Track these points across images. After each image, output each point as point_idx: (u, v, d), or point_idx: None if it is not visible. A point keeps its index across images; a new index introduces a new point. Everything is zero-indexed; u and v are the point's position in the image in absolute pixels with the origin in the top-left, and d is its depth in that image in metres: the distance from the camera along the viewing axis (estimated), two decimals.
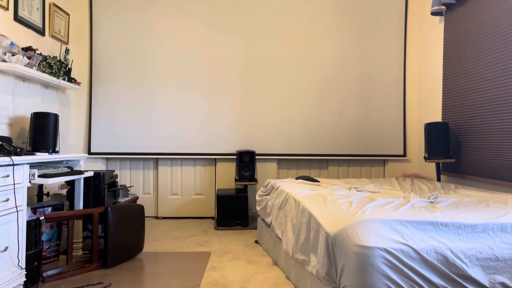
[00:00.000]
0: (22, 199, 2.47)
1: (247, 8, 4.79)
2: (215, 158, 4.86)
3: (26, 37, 3.67)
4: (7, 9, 3.35)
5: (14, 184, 2.39)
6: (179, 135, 4.75)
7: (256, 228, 4.13)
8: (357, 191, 3.07)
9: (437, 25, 4.46)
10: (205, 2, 4.77)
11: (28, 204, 3.05)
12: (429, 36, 4.66)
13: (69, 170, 3.08)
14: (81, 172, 3.11)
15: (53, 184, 3.88)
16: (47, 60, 3.66)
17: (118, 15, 4.70)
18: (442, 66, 4.33)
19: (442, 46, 4.33)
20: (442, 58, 4.32)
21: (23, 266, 2.47)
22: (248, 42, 4.80)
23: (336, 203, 2.39)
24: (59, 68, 3.78)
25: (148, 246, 3.60)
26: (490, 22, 3.51)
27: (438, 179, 4.10)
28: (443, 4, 4.12)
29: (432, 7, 4.28)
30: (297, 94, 4.83)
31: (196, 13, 4.76)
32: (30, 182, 2.57)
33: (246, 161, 4.50)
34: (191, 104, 4.76)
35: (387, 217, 1.96)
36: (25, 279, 2.51)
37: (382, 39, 4.89)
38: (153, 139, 4.73)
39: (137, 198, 4.16)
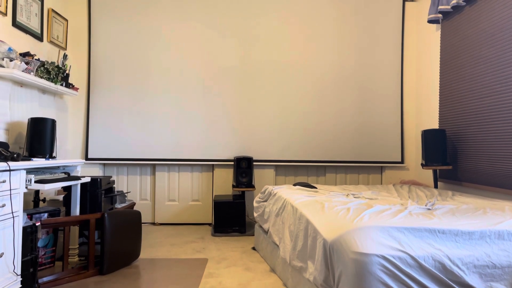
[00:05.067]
0: (18, 205, 2.46)
1: (245, 15, 4.82)
2: (213, 164, 4.85)
3: (24, 43, 3.67)
4: (5, 14, 3.36)
5: (10, 189, 2.37)
6: (176, 141, 4.74)
7: (254, 235, 4.12)
8: (355, 197, 3.07)
9: (434, 32, 4.50)
10: (204, 8, 4.79)
11: (24, 210, 3.04)
12: (426, 44, 4.70)
13: (66, 175, 3.07)
14: (78, 178, 3.10)
15: (50, 189, 3.86)
16: (45, 66, 3.67)
17: (116, 21, 4.71)
18: (439, 74, 4.36)
19: (439, 53, 4.36)
20: (439, 65, 4.35)
21: (19, 272, 2.45)
22: (247, 48, 4.81)
23: (334, 210, 2.39)
24: (56, 73, 3.79)
25: (145, 253, 3.58)
26: (486, 29, 3.54)
27: (435, 186, 4.11)
28: (440, 12, 4.15)
29: (428, 15, 4.32)
30: (295, 100, 4.84)
31: (195, 19, 4.78)
32: (26, 187, 2.56)
33: (243, 167, 4.50)
34: (189, 109, 4.76)
35: (384, 224, 1.96)
36: (21, 285, 2.48)
37: (380, 46, 4.92)
38: (150, 144, 4.72)
39: (134, 204, 4.14)
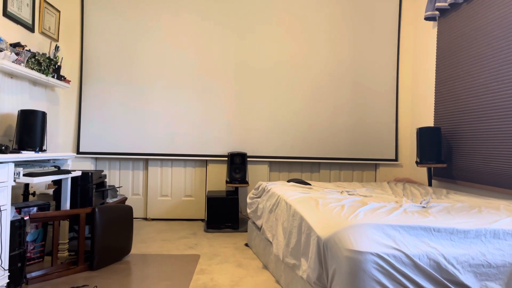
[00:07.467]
0: (6, 198, 2.40)
1: (242, 9, 4.76)
2: (206, 160, 4.81)
3: (14, 33, 3.59)
4: None
5: None
6: (170, 136, 4.69)
7: (247, 231, 4.09)
8: (349, 195, 3.04)
9: (431, 30, 4.48)
10: (200, 3, 4.72)
11: (13, 204, 2.97)
12: (423, 41, 4.67)
13: (56, 169, 3.01)
14: (68, 172, 3.04)
15: (39, 183, 3.80)
16: (36, 57, 3.59)
17: (110, 13, 4.64)
18: (435, 71, 4.34)
19: (435, 51, 4.34)
20: (435, 63, 4.33)
21: (6, 267, 2.39)
22: (242, 43, 4.76)
23: (328, 207, 2.36)
24: (48, 65, 3.71)
25: (136, 248, 3.54)
26: (483, 27, 3.52)
27: (430, 184, 4.10)
28: (437, 9, 4.13)
29: (425, 12, 4.30)
30: (291, 97, 4.81)
31: (189, 12, 4.72)
32: (14, 181, 2.50)
33: (237, 163, 4.46)
34: (183, 104, 4.70)
35: (379, 221, 1.94)
36: (8, 280, 2.43)
37: (376, 44, 4.89)
38: (143, 139, 4.66)
39: (125, 199, 4.09)
